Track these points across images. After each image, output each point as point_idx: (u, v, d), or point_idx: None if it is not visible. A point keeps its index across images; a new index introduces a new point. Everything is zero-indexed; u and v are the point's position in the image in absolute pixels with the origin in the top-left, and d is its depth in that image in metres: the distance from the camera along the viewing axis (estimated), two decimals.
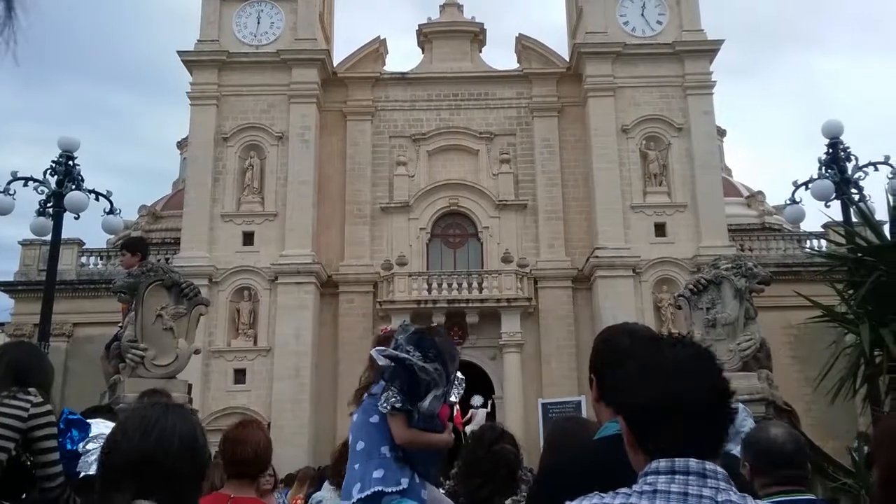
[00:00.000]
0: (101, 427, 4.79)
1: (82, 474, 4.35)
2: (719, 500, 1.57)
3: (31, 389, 3.92)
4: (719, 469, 1.62)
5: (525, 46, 31.81)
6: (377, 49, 31.99)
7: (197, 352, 10.44)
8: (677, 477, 1.60)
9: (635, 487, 1.63)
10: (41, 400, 3.93)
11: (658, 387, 1.67)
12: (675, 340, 1.80)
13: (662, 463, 1.62)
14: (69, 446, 4.38)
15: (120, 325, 10.11)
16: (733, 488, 1.61)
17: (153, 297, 9.54)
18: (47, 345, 12.71)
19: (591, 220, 28.83)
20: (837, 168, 13.88)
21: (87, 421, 4.70)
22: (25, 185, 14.85)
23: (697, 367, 1.69)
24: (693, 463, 1.61)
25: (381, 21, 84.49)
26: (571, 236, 29.45)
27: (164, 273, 9.65)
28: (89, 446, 4.51)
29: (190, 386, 9.97)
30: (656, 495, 1.58)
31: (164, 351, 9.51)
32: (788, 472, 3.10)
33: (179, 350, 9.55)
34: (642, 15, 30.24)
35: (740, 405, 7.35)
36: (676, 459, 1.61)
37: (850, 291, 7.82)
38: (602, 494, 1.65)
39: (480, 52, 32.88)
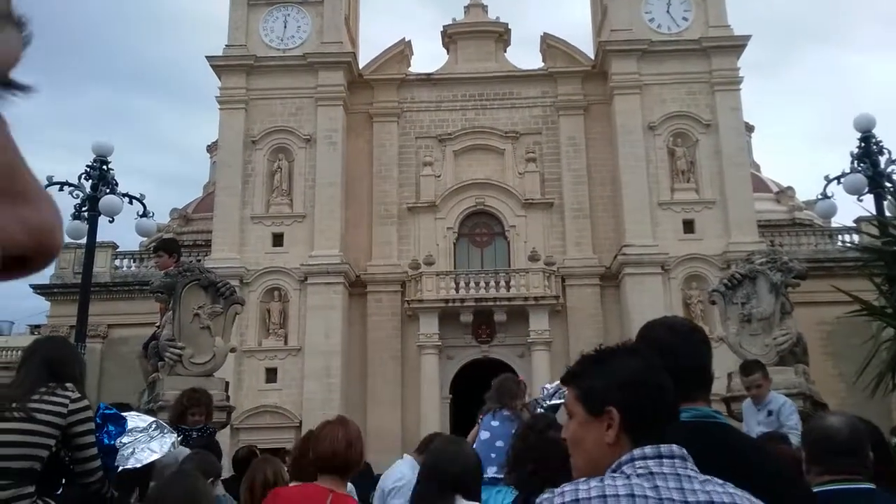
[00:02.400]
0: (137, 421, 4.87)
1: (120, 468, 4.44)
2: (700, 479, 1.74)
3: (68, 385, 3.91)
4: (685, 452, 1.80)
5: (550, 45, 31.74)
6: (402, 51, 32.13)
7: (233, 350, 10.61)
8: (665, 460, 1.76)
9: (628, 470, 1.75)
10: (79, 395, 3.91)
11: (657, 384, 1.86)
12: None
13: (650, 449, 1.77)
14: (106, 441, 4.44)
15: (157, 325, 10.28)
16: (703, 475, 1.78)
17: (190, 296, 9.71)
18: (83, 346, 12.93)
19: (619, 218, 28.69)
20: (870, 162, 13.69)
21: (123, 415, 4.78)
22: (61, 189, 15.07)
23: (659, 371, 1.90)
24: (675, 448, 1.78)
25: (405, 23, 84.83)
26: (599, 234, 29.34)
27: (201, 273, 9.82)
28: (124, 440, 4.59)
29: (227, 384, 10.13)
30: (654, 476, 1.72)
31: (202, 349, 9.67)
32: (843, 460, 3.07)
33: (216, 348, 9.70)
34: (668, 11, 30.03)
35: (787, 400, 7.32)
36: (661, 445, 1.77)
37: (887, 286, 7.74)
38: (599, 478, 1.75)
39: (505, 51, 32.87)
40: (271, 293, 27.96)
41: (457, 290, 27.89)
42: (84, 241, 14.79)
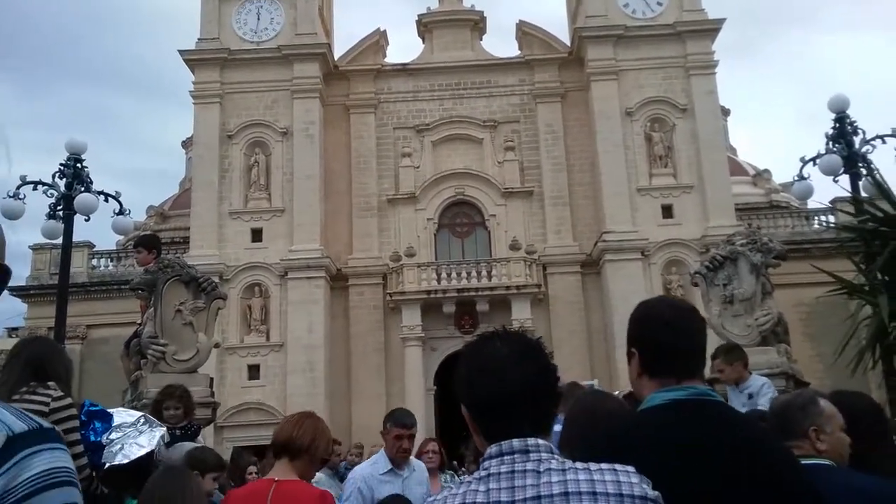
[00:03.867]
0: (124, 416, 4.81)
1: (107, 465, 4.39)
2: (541, 469, 1.76)
3: (50, 383, 3.93)
4: (541, 442, 1.83)
5: (525, 33, 31.71)
6: (377, 41, 31.95)
7: (217, 345, 10.50)
8: (505, 458, 1.80)
9: (475, 474, 1.84)
10: (61, 393, 3.93)
11: (484, 383, 1.89)
12: (502, 335, 2.00)
13: (493, 448, 1.83)
14: (93, 438, 4.39)
15: (139, 323, 10.17)
16: (556, 457, 1.82)
17: (171, 292, 9.60)
18: (63, 347, 12.74)
19: (598, 205, 28.80)
20: (845, 142, 13.78)
21: (109, 411, 4.72)
22: (35, 189, 14.80)
23: (518, 362, 1.90)
24: (516, 442, 1.81)
25: (380, 14, 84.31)
26: (579, 221, 29.44)
27: (182, 268, 9.71)
28: (112, 436, 4.54)
29: (211, 380, 10.05)
30: (489, 479, 1.78)
31: (185, 346, 9.58)
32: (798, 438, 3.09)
33: (200, 344, 9.61)
34: None
35: (765, 379, 7.39)
36: (503, 442, 1.82)
37: (865, 263, 7.82)
38: (452, 485, 1.86)
39: (481, 40, 32.81)
40: (252, 289, 27.77)
41: (438, 281, 27.88)
42: (60, 241, 14.57)
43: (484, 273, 27.94)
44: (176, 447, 6.12)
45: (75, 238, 16.65)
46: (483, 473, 1.80)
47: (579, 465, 1.78)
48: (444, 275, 27.99)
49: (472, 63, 31.41)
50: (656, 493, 1.77)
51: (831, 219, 25.76)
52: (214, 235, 27.96)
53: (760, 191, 35.18)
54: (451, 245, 30.13)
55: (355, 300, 28.97)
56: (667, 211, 28.21)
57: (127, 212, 15.50)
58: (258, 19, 30.13)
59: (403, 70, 31.59)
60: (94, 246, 30.79)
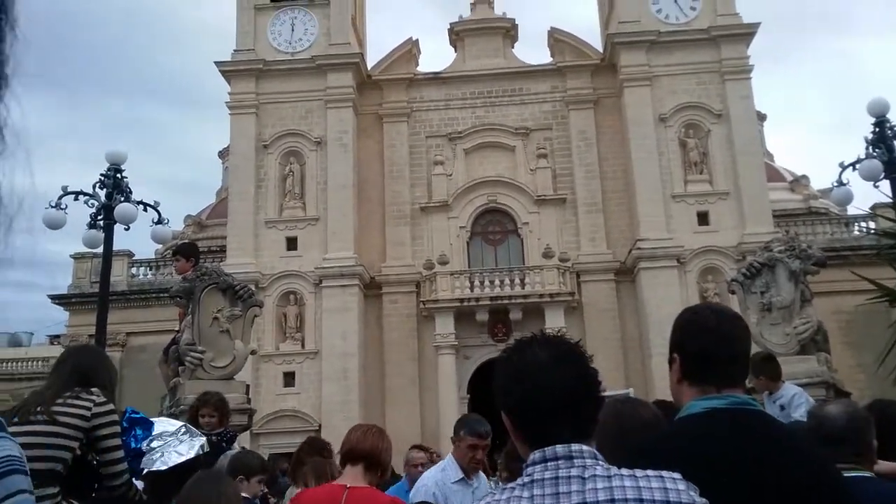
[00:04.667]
0: (165, 425, 4.91)
1: (145, 471, 4.48)
2: (586, 476, 1.75)
3: (93, 389, 3.99)
4: (585, 448, 1.82)
5: (557, 40, 31.64)
6: (410, 50, 32.14)
7: (253, 352, 10.65)
8: (549, 463, 1.79)
9: (519, 480, 1.82)
10: (104, 400, 3.99)
11: (522, 389, 1.88)
12: (540, 340, 1.98)
13: (537, 454, 1.82)
14: (133, 444, 4.49)
15: (177, 330, 10.33)
16: (600, 463, 1.80)
17: (209, 300, 9.74)
18: (108, 357, 12.96)
19: (632, 212, 28.57)
20: (885, 147, 13.50)
21: (151, 420, 4.82)
22: (76, 199, 15.09)
23: (555, 366, 1.89)
24: (559, 448, 1.80)
25: (412, 23, 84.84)
26: (612, 229, 29.22)
27: (219, 276, 9.85)
28: (154, 444, 4.63)
29: (247, 387, 10.17)
30: (533, 485, 1.77)
31: (222, 353, 9.70)
32: (838, 447, 3.05)
33: (236, 351, 9.73)
34: (675, 2, 29.87)
35: (798, 389, 7.26)
36: (546, 448, 1.81)
37: None
38: (494, 491, 1.87)
39: (513, 47, 32.82)
40: (287, 297, 28.04)
41: (471, 289, 27.86)
42: (101, 250, 14.85)
43: (517, 281, 27.86)
44: (226, 455, 6.24)
45: (115, 247, 17.02)
46: (527, 479, 1.80)
47: (625, 471, 1.77)
48: (476, 283, 27.97)
49: (503, 70, 31.42)
50: (704, 500, 1.76)
51: (871, 225, 25.22)
52: (250, 244, 28.31)
53: (798, 197, 34.60)
54: (484, 253, 30.11)
55: (389, 308, 29.08)
56: (702, 218, 27.87)
57: (165, 221, 15.75)
58: (292, 30, 30.51)
59: (436, 78, 31.72)
60: (134, 255, 31.39)
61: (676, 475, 1.78)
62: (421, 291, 28.66)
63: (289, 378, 27.31)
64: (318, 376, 27.01)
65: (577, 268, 28.53)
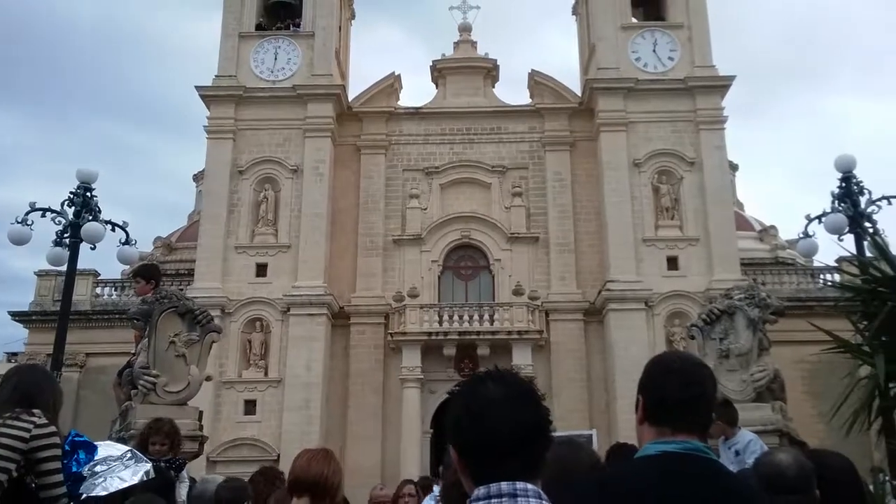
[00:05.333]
0: (110, 449, 4.80)
1: (84, 496, 4.35)
2: None
3: (35, 411, 3.91)
4: (530, 486, 1.83)
5: (537, 82, 32.12)
6: (392, 84, 32.41)
7: (209, 379, 10.46)
8: (493, 500, 1.80)
9: None
10: (45, 421, 3.90)
11: (474, 425, 1.89)
12: (494, 376, 1.99)
13: (481, 490, 1.83)
14: (74, 468, 4.36)
15: (133, 353, 10.16)
16: (543, 501, 1.82)
17: (166, 323, 9.60)
18: (59, 374, 12.74)
19: (603, 254, 28.81)
20: (851, 202, 13.79)
21: (95, 443, 4.70)
22: (43, 216, 14.92)
23: (509, 404, 1.90)
24: (504, 485, 1.82)
25: (395, 58, 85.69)
26: (583, 269, 29.41)
27: (178, 300, 9.72)
28: (97, 468, 4.51)
29: (201, 413, 9.98)
30: None
31: (176, 378, 9.54)
32: (788, 497, 3.07)
33: (191, 377, 9.57)
34: (654, 51, 30.51)
35: (753, 435, 7.31)
36: (491, 485, 1.82)
37: (865, 323, 7.78)
38: None
39: (493, 87, 33.23)
40: (253, 324, 27.74)
41: (440, 323, 27.79)
42: (64, 267, 14.64)
43: (486, 317, 27.85)
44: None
45: (81, 266, 16.77)
46: None
47: None
48: (445, 317, 27.91)
49: (483, 109, 31.78)
50: None
51: (837, 277, 25.63)
52: (219, 268, 28.05)
53: (766, 246, 35.12)
54: (455, 288, 30.12)
55: (356, 339, 28.88)
56: (672, 262, 28.17)
57: (133, 242, 15.59)
58: (275, 59, 30.66)
59: (416, 113, 31.98)
60: (99, 274, 30.92)
61: None
62: (389, 323, 28.53)
63: (250, 406, 26.89)
64: (280, 405, 26.63)
65: (547, 306, 28.62)
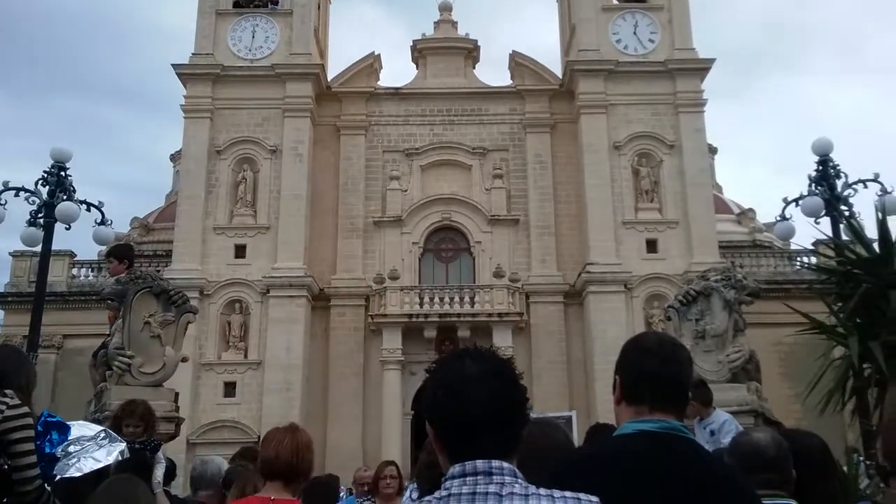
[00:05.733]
0: (84, 429, 4.74)
1: (58, 477, 4.30)
2: (503, 493, 1.76)
3: (7, 391, 3.85)
4: (506, 465, 1.82)
5: (518, 63, 32.00)
6: (371, 64, 32.15)
7: (185, 360, 10.37)
8: (468, 478, 1.79)
9: (436, 493, 1.82)
10: (18, 402, 3.84)
11: (448, 402, 1.87)
12: (472, 353, 1.96)
13: (457, 468, 1.83)
14: (48, 449, 4.31)
15: (108, 334, 10.04)
16: (518, 481, 1.80)
17: (141, 304, 9.49)
18: (35, 356, 12.59)
19: (583, 236, 28.89)
20: (827, 185, 13.88)
21: (67, 423, 4.64)
22: (17, 195, 14.67)
23: (485, 381, 1.88)
24: (480, 463, 1.81)
25: (375, 38, 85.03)
26: (563, 252, 29.50)
27: (153, 280, 9.62)
28: (70, 449, 4.46)
29: (177, 394, 9.91)
30: (451, 499, 1.78)
31: (152, 359, 9.46)
32: (768, 475, 3.10)
33: (167, 358, 9.49)
34: (635, 33, 30.48)
35: (728, 415, 7.37)
36: (467, 462, 1.81)
37: (839, 304, 7.85)
38: (412, 500, 1.86)
39: (474, 68, 33.07)
40: (232, 305, 27.59)
41: (421, 305, 27.80)
42: (39, 248, 14.44)
43: (466, 299, 27.89)
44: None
45: (58, 247, 16.56)
46: (444, 493, 1.78)
47: (543, 491, 1.76)
48: (426, 299, 27.92)
49: (464, 90, 31.63)
50: None
51: (814, 260, 25.92)
52: (197, 250, 27.81)
53: (745, 229, 35.42)
54: (436, 270, 30.11)
55: (336, 321, 28.81)
56: (651, 245, 28.33)
57: (109, 222, 15.38)
58: (253, 37, 30.26)
59: (396, 94, 31.76)
60: (76, 255, 30.55)
61: (594, 498, 1.78)
62: (370, 306, 28.50)
63: (230, 388, 26.80)
64: (260, 388, 26.57)
65: (527, 289, 28.70)
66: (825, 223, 13.63)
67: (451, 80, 31.90)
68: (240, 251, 28.14)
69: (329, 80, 31.53)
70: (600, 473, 2.16)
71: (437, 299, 27.90)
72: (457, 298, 27.89)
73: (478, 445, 1.82)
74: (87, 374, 10.48)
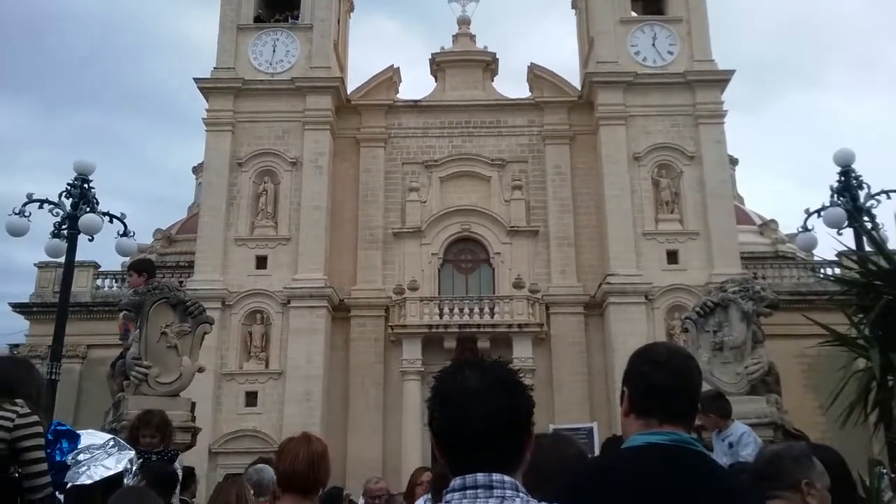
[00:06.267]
0: (93, 437, 4.79)
1: (69, 485, 4.35)
2: None
3: (18, 400, 3.91)
4: (507, 478, 1.78)
5: (537, 75, 32.03)
6: (391, 77, 32.34)
7: (201, 370, 10.44)
8: (468, 492, 1.77)
9: None
10: (28, 411, 3.90)
11: (448, 414, 1.86)
12: (474, 365, 1.94)
13: (457, 481, 1.80)
14: (58, 457, 4.36)
15: (125, 345, 10.13)
16: (520, 495, 1.77)
17: (158, 315, 9.59)
18: (59, 365, 12.75)
19: (603, 247, 28.77)
20: (850, 196, 13.74)
21: (77, 432, 4.70)
22: (41, 207, 14.88)
23: (485, 393, 1.85)
24: (480, 477, 1.78)
25: (395, 51, 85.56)
26: (583, 263, 29.38)
27: (170, 291, 9.72)
28: (80, 457, 4.51)
29: (193, 404, 9.98)
30: None
31: (168, 369, 9.54)
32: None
33: (183, 368, 9.57)
34: (653, 45, 30.40)
35: (746, 428, 7.28)
36: (467, 476, 1.78)
37: (861, 316, 7.75)
38: None
39: (493, 80, 33.15)
40: (253, 316, 27.76)
41: (440, 316, 27.79)
42: (63, 259, 14.63)
43: (486, 310, 27.85)
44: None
45: (82, 258, 16.77)
46: None
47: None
48: (446, 310, 27.92)
49: (482, 102, 31.70)
50: None
51: (836, 271, 25.59)
52: (219, 261, 28.05)
53: (767, 240, 35.06)
54: (455, 281, 30.10)
55: (356, 332, 28.89)
56: (672, 256, 28.13)
57: (131, 234, 15.55)
58: (274, 51, 30.60)
59: (415, 106, 31.91)
60: (100, 266, 30.94)
61: None
62: (389, 316, 28.54)
63: (251, 398, 26.94)
64: (281, 397, 26.68)
65: (547, 300, 28.59)
66: (848, 234, 13.50)
67: (469, 93, 32.00)
68: (261, 262, 28.34)
69: (349, 92, 31.76)
70: (609, 487, 2.13)
71: (456, 310, 27.89)
72: (476, 309, 27.85)
73: (478, 458, 1.80)
74: (106, 383, 10.59)
